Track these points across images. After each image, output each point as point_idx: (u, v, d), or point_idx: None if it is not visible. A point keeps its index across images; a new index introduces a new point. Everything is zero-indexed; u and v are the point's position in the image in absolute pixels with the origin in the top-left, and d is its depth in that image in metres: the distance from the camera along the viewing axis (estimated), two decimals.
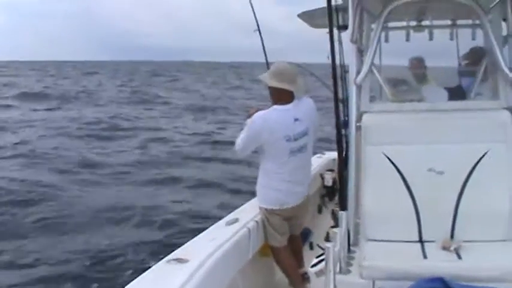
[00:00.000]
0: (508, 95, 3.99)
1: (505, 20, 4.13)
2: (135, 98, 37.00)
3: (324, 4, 3.80)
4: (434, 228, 3.73)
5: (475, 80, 4.37)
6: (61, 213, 9.75)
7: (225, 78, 73.09)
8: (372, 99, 4.30)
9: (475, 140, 3.83)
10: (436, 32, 4.58)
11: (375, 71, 4.20)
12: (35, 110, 28.39)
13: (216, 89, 49.16)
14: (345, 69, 4.62)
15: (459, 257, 3.46)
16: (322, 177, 5.84)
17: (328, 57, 3.98)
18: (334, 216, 4.92)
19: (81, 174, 13.07)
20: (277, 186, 4.13)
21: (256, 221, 4.13)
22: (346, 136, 4.26)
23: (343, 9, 4.43)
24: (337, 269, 3.43)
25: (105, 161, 14.68)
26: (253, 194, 4.47)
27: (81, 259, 7.67)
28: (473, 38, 4.52)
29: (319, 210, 5.99)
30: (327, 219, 5.47)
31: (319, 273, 4.25)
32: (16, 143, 17.45)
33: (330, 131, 4.28)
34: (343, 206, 3.92)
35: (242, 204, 4.60)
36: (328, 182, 5.84)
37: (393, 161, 3.87)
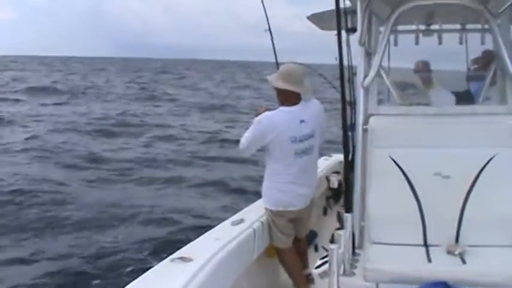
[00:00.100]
0: None
1: None
2: (143, 95, 37.11)
3: (333, 6, 3.81)
4: (439, 232, 3.73)
5: (483, 85, 4.36)
6: (66, 209, 9.80)
7: (233, 76, 73.05)
8: (380, 102, 4.30)
9: (482, 145, 3.82)
10: (445, 36, 4.57)
11: (383, 74, 4.19)
12: (43, 104, 28.60)
13: (224, 87, 49.16)
14: (353, 72, 4.62)
15: (464, 261, 3.46)
16: (328, 179, 5.83)
17: (336, 59, 3.99)
18: (340, 219, 4.92)
19: (87, 170, 13.14)
20: (282, 188, 4.12)
21: (262, 222, 4.13)
22: (353, 138, 4.25)
23: (352, 12, 4.43)
24: (341, 271, 3.44)
25: (111, 157, 14.73)
26: (258, 195, 4.48)
27: (84, 256, 7.69)
28: (483, 43, 4.52)
29: (325, 212, 5.99)
30: (332, 221, 5.46)
31: (323, 275, 4.25)
32: (25, 138, 17.58)
33: (338, 132, 4.29)
34: (349, 208, 3.92)
35: (248, 205, 4.60)
36: (334, 184, 5.84)
37: (399, 164, 3.87)
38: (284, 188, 4.11)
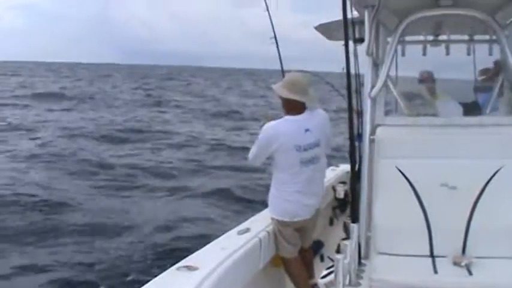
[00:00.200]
0: None
1: None
2: (149, 101, 37.26)
3: (340, 16, 3.82)
4: (445, 243, 3.71)
5: (490, 96, 4.35)
6: (70, 216, 9.78)
7: (240, 84, 73.12)
8: (387, 112, 4.30)
9: (489, 156, 3.81)
10: (452, 46, 4.58)
11: (390, 85, 4.20)
12: (51, 110, 28.74)
13: (230, 94, 49.21)
14: (360, 82, 4.62)
15: (470, 273, 3.44)
16: (334, 189, 5.83)
17: (343, 69, 4.00)
18: (346, 229, 4.91)
19: (93, 177, 13.13)
20: (288, 198, 4.13)
21: (268, 232, 4.13)
22: (360, 148, 4.25)
23: (360, 22, 4.44)
24: (347, 281, 3.43)
25: (117, 164, 14.70)
26: (264, 204, 4.48)
27: (88, 263, 7.67)
28: (490, 54, 4.52)
29: (331, 222, 5.97)
30: (338, 231, 5.45)
31: (329, 285, 4.23)
32: (32, 144, 17.67)
33: (344, 142, 4.29)
34: (355, 219, 3.91)
35: (253, 214, 4.60)
36: (340, 194, 5.82)
37: (406, 174, 3.86)
38: (290, 197, 4.11)
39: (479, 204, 3.71)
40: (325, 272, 4.55)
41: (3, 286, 7.00)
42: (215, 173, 14.29)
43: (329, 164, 5.33)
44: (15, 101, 32.62)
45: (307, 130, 4.06)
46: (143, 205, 10.85)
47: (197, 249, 3.60)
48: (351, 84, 4.01)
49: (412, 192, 3.83)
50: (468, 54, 4.80)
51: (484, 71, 5.35)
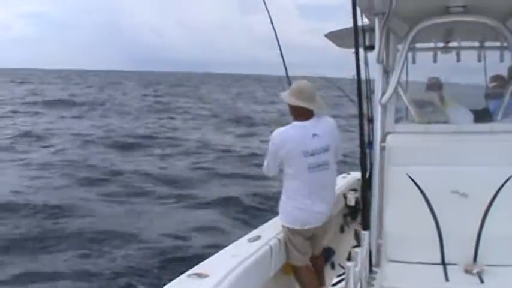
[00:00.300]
0: None
1: None
2: (159, 108, 37.34)
3: (350, 24, 3.83)
4: (457, 250, 3.70)
5: (501, 103, 4.34)
6: (79, 222, 9.78)
7: (248, 90, 73.09)
8: (398, 120, 4.29)
9: (500, 163, 3.80)
10: (463, 53, 4.57)
11: (401, 92, 4.19)
12: (62, 117, 28.92)
13: (240, 100, 49.20)
14: (371, 89, 4.63)
15: (482, 281, 3.43)
16: (345, 196, 5.82)
17: (353, 76, 4.01)
18: (357, 236, 4.89)
19: (103, 184, 13.13)
20: (298, 205, 4.13)
21: (279, 239, 4.13)
22: (371, 156, 4.25)
23: (370, 29, 4.44)
24: None
25: (127, 171, 14.66)
26: (274, 212, 4.48)
27: (96, 272, 7.63)
28: (502, 60, 4.51)
29: (342, 230, 5.96)
30: (349, 239, 5.43)
31: None
32: (44, 151, 17.78)
33: (355, 149, 4.29)
34: (366, 226, 3.91)
35: (263, 222, 4.60)
36: (351, 201, 5.81)
37: (417, 182, 3.85)
38: (301, 205, 4.11)
39: (490, 212, 3.69)
40: (336, 280, 4.54)
41: None
42: (225, 180, 14.19)
43: (340, 172, 5.31)
44: (27, 108, 32.85)
45: (314, 135, 4.08)
46: (152, 213, 10.81)
47: (204, 258, 3.60)
48: (362, 92, 4.02)
49: (423, 200, 3.82)
50: (479, 60, 4.80)
51: (495, 78, 5.34)
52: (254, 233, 4.21)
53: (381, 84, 4.13)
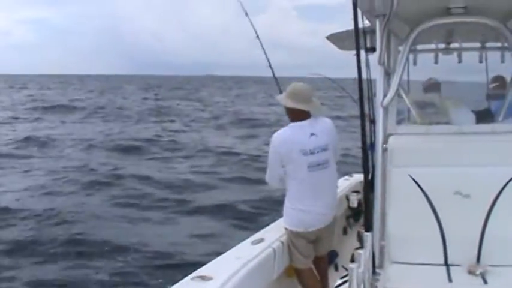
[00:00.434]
0: None
1: None
2: (159, 111, 37.36)
3: (350, 25, 3.83)
4: (460, 251, 3.70)
5: (503, 103, 4.34)
6: (80, 228, 9.78)
7: (248, 91, 73.08)
8: (400, 121, 4.30)
9: (502, 163, 3.79)
10: (464, 54, 4.57)
11: (402, 94, 4.20)
12: (62, 122, 28.92)
13: (240, 102, 49.22)
14: (372, 91, 4.64)
15: (485, 281, 3.43)
16: (347, 198, 5.83)
17: (354, 78, 4.01)
18: (360, 238, 4.89)
19: (104, 189, 13.13)
20: (302, 207, 4.12)
21: (282, 242, 4.13)
22: (373, 157, 4.25)
23: (371, 31, 4.45)
24: None
25: (128, 176, 14.68)
26: (276, 216, 4.49)
27: (97, 280, 7.65)
28: (503, 61, 4.51)
29: (345, 232, 5.96)
30: (352, 241, 5.44)
31: None
32: (44, 156, 17.85)
33: (358, 151, 4.29)
34: (368, 228, 3.91)
35: (263, 226, 4.60)
36: (354, 203, 5.82)
37: (419, 183, 3.85)
38: (304, 207, 4.11)
39: (493, 212, 3.69)
40: (339, 282, 4.54)
41: None
42: (225, 184, 14.17)
43: (342, 173, 5.31)
44: (27, 114, 32.93)
45: (312, 134, 4.11)
46: (153, 218, 10.81)
47: (205, 263, 3.59)
48: (363, 94, 4.03)
49: (426, 201, 3.82)
50: (480, 61, 4.80)
51: (496, 79, 5.34)
52: (257, 235, 4.21)
53: (383, 86, 4.12)
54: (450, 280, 3.49)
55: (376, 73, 4.21)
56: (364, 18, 4.21)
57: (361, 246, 3.98)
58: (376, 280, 3.77)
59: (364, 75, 4.28)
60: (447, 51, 4.63)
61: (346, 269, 4.53)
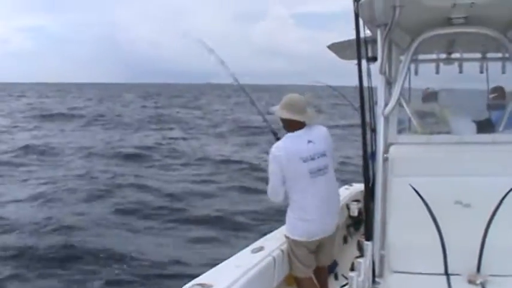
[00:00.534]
0: None
1: None
2: (158, 119, 37.34)
3: (351, 34, 3.85)
4: (460, 261, 3.70)
5: (504, 113, 4.35)
6: (78, 237, 9.75)
7: (248, 100, 72.83)
8: (401, 131, 4.31)
9: (503, 173, 3.80)
10: (465, 64, 4.59)
11: (403, 103, 4.21)
12: (61, 130, 28.91)
13: (239, 110, 49.18)
14: (373, 100, 4.65)
15: None
16: (348, 207, 5.83)
17: (356, 86, 4.03)
18: (360, 247, 4.89)
19: (103, 198, 13.07)
20: (305, 217, 4.10)
21: (282, 250, 4.12)
22: (373, 166, 4.26)
23: (372, 41, 4.47)
24: None
25: (126, 185, 14.62)
26: (275, 226, 4.48)
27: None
28: (503, 72, 4.53)
29: (345, 241, 5.95)
30: (352, 250, 5.44)
31: None
32: (43, 164, 17.81)
33: (358, 159, 4.30)
34: (369, 237, 3.91)
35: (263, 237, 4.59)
36: (354, 212, 5.82)
37: (420, 193, 3.86)
38: (308, 217, 4.10)
39: (493, 222, 3.70)
40: None
41: None
42: (224, 193, 14.09)
43: (343, 181, 5.31)
44: (26, 123, 32.90)
45: (309, 141, 4.13)
46: (151, 227, 10.80)
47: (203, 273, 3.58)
48: (364, 103, 4.04)
49: (426, 210, 3.82)
50: (481, 72, 4.82)
51: (495, 89, 5.37)
52: (257, 243, 4.21)
53: (384, 96, 4.14)
54: None
55: (377, 82, 4.23)
56: (366, 28, 4.23)
57: (362, 255, 3.98)
58: None
59: (365, 84, 4.30)
60: (448, 61, 4.64)
61: (346, 278, 4.52)
